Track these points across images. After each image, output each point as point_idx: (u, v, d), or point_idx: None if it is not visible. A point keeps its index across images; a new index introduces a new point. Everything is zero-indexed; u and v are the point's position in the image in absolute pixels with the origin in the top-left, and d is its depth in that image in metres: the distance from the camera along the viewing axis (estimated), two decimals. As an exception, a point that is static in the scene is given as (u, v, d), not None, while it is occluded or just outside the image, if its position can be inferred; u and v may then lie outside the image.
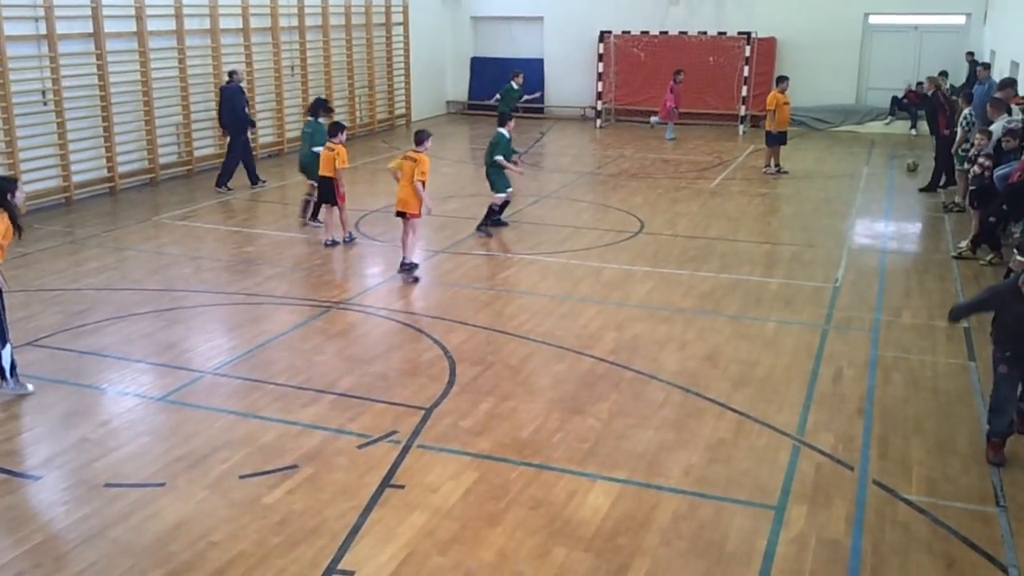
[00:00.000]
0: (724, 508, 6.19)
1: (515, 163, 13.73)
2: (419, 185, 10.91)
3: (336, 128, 12.50)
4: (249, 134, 16.51)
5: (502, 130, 13.31)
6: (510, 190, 13.43)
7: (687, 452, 6.92)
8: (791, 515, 6.12)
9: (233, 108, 15.85)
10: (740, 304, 10.34)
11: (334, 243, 12.58)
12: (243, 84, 16.58)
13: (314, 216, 13.45)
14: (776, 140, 17.88)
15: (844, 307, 10.25)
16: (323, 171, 12.34)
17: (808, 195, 16.32)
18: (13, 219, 7.53)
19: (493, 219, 13.50)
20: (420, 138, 11.19)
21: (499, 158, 13.12)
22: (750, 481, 6.53)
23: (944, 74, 20.14)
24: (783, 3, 23.74)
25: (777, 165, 18.02)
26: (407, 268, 11.12)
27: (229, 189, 16.18)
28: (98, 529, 5.89)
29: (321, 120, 13.34)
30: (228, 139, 16.19)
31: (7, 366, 7.74)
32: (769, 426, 7.38)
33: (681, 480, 6.53)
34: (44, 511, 6.20)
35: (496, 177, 13.28)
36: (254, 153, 17.56)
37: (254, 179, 16.51)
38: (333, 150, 12.23)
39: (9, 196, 7.56)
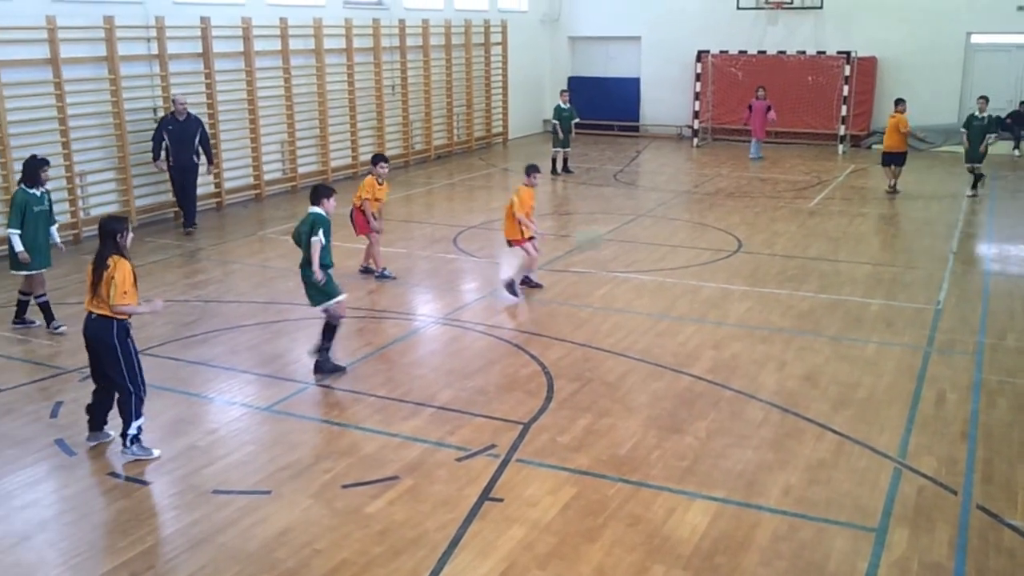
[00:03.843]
0: (824, 529, 6.07)
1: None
2: (521, 217, 11.09)
3: (375, 159, 12.03)
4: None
5: (316, 209, 8.67)
6: (343, 296, 8.98)
7: (786, 472, 6.82)
8: (893, 538, 5.98)
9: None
10: (840, 325, 10.13)
11: (366, 270, 12.16)
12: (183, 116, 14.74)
13: None
14: (900, 161, 17.73)
15: (947, 329, 9.95)
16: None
17: (909, 216, 15.92)
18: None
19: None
20: (525, 171, 11.49)
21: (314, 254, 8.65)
22: (851, 503, 6.40)
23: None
24: (883, 22, 23.28)
25: (894, 184, 17.80)
26: (506, 286, 11.17)
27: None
28: (207, 534, 6.09)
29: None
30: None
31: (132, 433, 7.14)
32: (870, 448, 7.21)
33: (780, 500, 6.43)
34: (155, 515, 6.44)
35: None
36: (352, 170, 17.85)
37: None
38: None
39: (119, 237, 7.03)
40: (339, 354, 9.12)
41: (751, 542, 5.93)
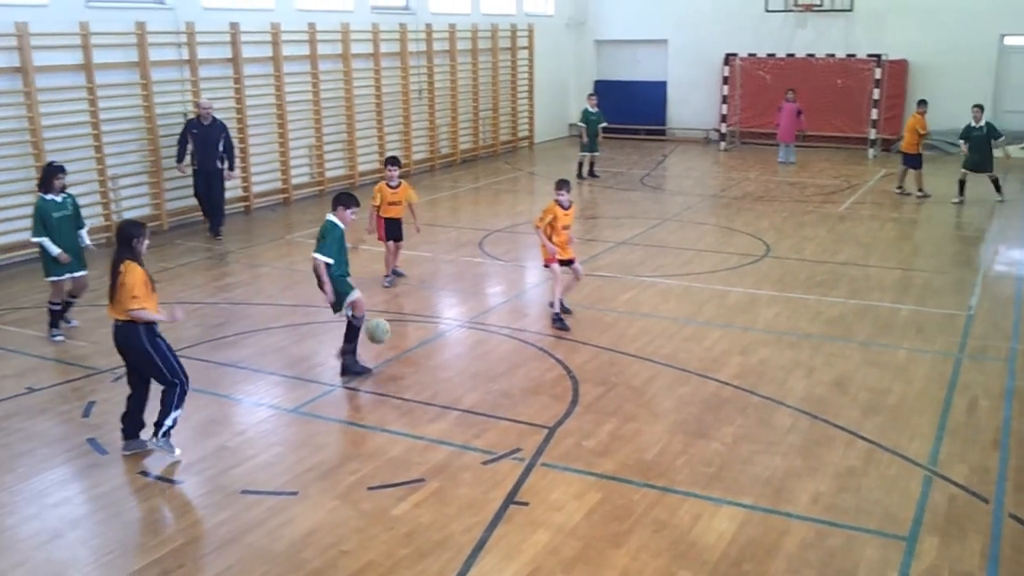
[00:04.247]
0: (854, 537, 6.02)
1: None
2: (536, 231, 10.30)
3: (388, 161, 11.90)
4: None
5: (332, 217, 8.83)
6: (356, 294, 8.92)
7: (815, 479, 6.77)
8: (923, 547, 5.91)
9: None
10: (870, 330, 10.05)
11: (395, 274, 12.09)
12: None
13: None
14: (918, 163, 17.56)
15: (979, 335, 9.84)
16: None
17: (941, 220, 15.76)
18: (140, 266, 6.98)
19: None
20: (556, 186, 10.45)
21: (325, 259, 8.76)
22: (880, 511, 6.34)
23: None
24: (915, 25, 23.05)
25: (920, 188, 17.60)
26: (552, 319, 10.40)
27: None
28: (235, 534, 6.14)
29: None
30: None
31: (168, 425, 7.17)
32: (900, 455, 7.14)
33: (809, 507, 6.39)
34: (186, 514, 6.51)
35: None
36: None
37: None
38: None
39: (135, 242, 7.00)
40: (365, 356, 9.15)
41: (779, 549, 5.89)
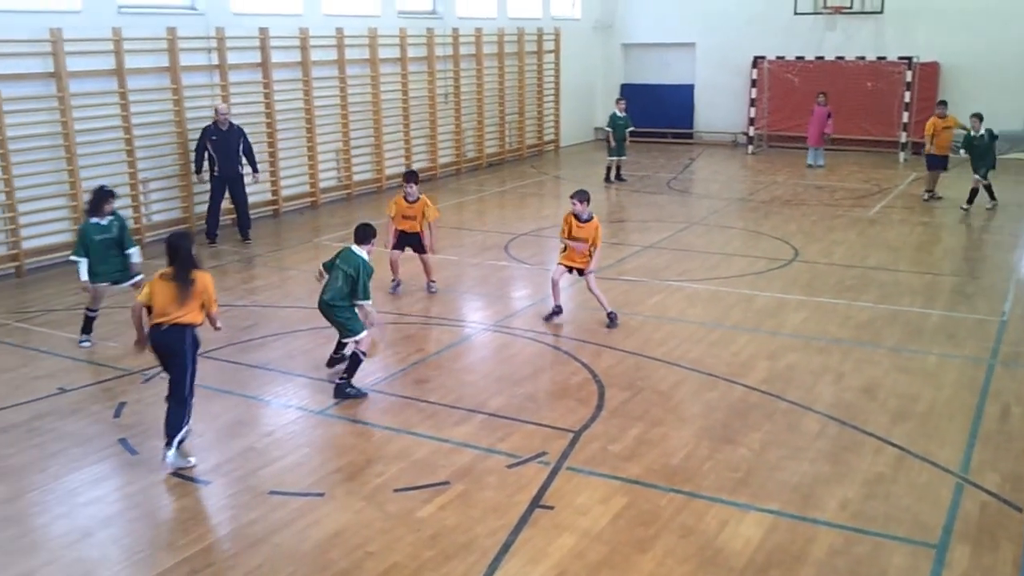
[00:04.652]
0: (882, 545, 5.97)
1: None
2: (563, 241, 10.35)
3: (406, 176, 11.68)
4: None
5: (358, 251, 8.61)
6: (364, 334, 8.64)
7: (843, 486, 6.71)
8: (954, 555, 5.84)
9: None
10: (900, 336, 9.96)
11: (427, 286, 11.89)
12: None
13: None
14: (932, 165, 17.29)
15: (1012, 342, 9.73)
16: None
17: (973, 225, 15.60)
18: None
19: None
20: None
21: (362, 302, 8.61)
22: (910, 518, 6.28)
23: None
24: (946, 26, 22.79)
25: (930, 191, 17.44)
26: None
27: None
28: (263, 534, 6.19)
29: None
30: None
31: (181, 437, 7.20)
32: (930, 462, 7.07)
33: (837, 514, 6.33)
34: (214, 514, 6.56)
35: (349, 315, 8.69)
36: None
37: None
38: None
39: (192, 251, 7.29)
40: (390, 360, 9.22)
41: (806, 556, 5.84)
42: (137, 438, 7.64)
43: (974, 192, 16.47)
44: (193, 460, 7.24)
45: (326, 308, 8.55)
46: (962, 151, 16.77)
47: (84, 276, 9.66)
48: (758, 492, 6.64)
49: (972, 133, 16.40)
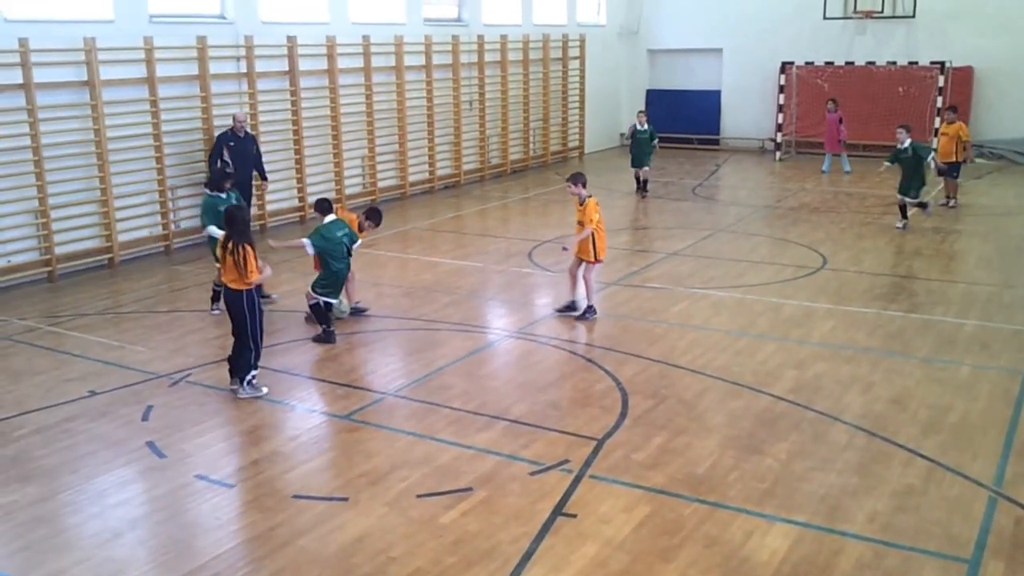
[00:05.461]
0: (912, 558, 5.87)
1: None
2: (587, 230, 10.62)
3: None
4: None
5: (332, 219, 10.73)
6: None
7: (872, 498, 6.62)
8: (986, 570, 5.74)
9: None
10: (931, 346, 9.82)
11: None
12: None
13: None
14: (940, 171, 17.11)
15: (1049, 352, 9.57)
16: None
17: (1007, 232, 15.34)
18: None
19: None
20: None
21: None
22: (941, 532, 6.17)
23: None
24: (980, 31, 22.53)
25: (949, 197, 17.29)
26: (586, 310, 10.84)
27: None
28: (287, 538, 6.20)
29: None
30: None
31: (248, 378, 8.65)
32: (962, 475, 6.95)
33: (865, 527, 6.25)
34: (239, 517, 6.59)
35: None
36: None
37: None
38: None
39: (247, 224, 8.65)
40: (414, 366, 9.33)
41: (834, 568, 5.76)
42: (164, 441, 7.69)
43: (902, 208, 15.66)
44: (265, 390, 8.64)
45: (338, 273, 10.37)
46: (886, 163, 16.02)
47: (219, 232, 9.99)
48: (784, 503, 6.57)
49: (897, 146, 15.57)
